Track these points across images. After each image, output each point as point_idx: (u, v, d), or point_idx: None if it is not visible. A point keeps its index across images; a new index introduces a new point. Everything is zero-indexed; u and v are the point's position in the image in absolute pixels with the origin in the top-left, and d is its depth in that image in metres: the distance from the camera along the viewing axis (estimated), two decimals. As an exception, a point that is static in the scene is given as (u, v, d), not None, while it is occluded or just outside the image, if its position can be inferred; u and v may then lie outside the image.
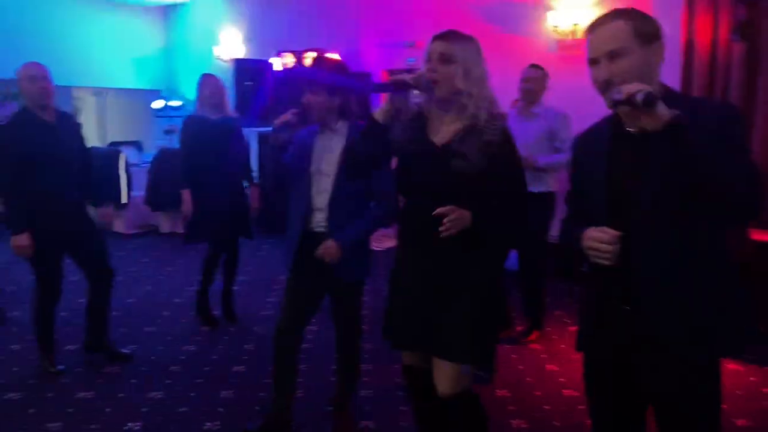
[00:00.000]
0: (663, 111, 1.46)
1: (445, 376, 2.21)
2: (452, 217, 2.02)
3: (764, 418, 3.24)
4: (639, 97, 1.45)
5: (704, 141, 1.48)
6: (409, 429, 3.06)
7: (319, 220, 2.80)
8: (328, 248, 2.72)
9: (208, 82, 4.50)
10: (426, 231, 2.14)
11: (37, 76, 3.55)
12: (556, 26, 6.44)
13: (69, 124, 3.78)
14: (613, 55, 1.65)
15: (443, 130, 2.16)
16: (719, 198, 1.48)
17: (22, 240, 3.47)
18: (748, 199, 1.49)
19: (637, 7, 1.74)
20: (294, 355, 3.00)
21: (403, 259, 2.31)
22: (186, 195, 4.36)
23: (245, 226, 4.61)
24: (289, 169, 2.86)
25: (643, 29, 1.66)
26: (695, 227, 1.62)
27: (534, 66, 4.37)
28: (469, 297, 2.15)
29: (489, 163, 2.07)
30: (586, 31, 1.75)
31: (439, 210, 2.02)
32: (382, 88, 2.20)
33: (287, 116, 2.75)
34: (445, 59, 2.09)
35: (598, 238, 1.65)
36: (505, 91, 4.22)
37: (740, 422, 3.17)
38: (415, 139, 2.19)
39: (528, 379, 3.71)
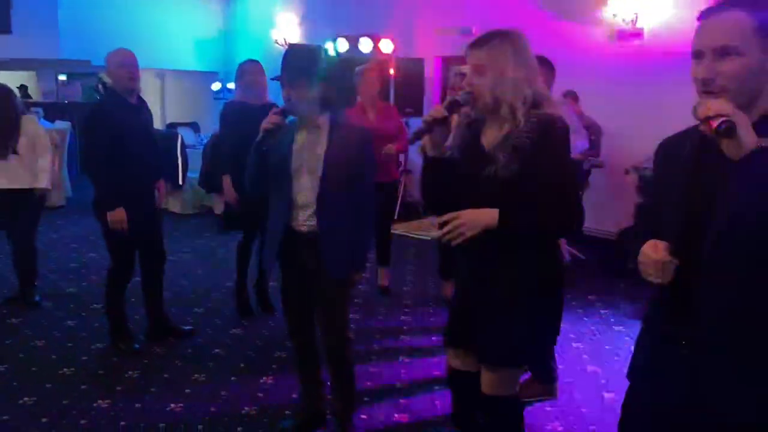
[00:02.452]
0: (747, 139, 1.28)
1: (488, 376, 2.22)
2: (455, 223, 2.01)
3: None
4: (715, 125, 1.29)
5: None
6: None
7: (303, 218, 2.70)
8: (353, 281, 2.81)
9: (249, 68, 4.50)
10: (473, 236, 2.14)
11: (125, 62, 3.74)
12: (615, 14, 6.23)
13: (146, 108, 3.97)
14: (723, 52, 1.40)
15: (492, 136, 2.14)
16: None
17: (119, 214, 3.66)
18: None
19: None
20: (313, 352, 2.98)
21: (459, 262, 2.33)
22: (227, 181, 4.37)
23: None
24: (270, 169, 2.71)
25: None
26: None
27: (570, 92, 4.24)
28: (514, 301, 2.12)
29: (523, 167, 2.02)
30: (698, 17, 1.49)
31: (440, 219, 2.02)
32: (419, 136, 2.15)
33: (276, 119, 2.56)
34: (478, 70, 2.07)
35: (647, 253, 1.50)
36: (558, 81, 4.14)
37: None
38: (464, 146, 2.19)
39: (568, 379, 3.66)
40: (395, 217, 7.18)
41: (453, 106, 2.10)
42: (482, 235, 2.05)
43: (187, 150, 8.21)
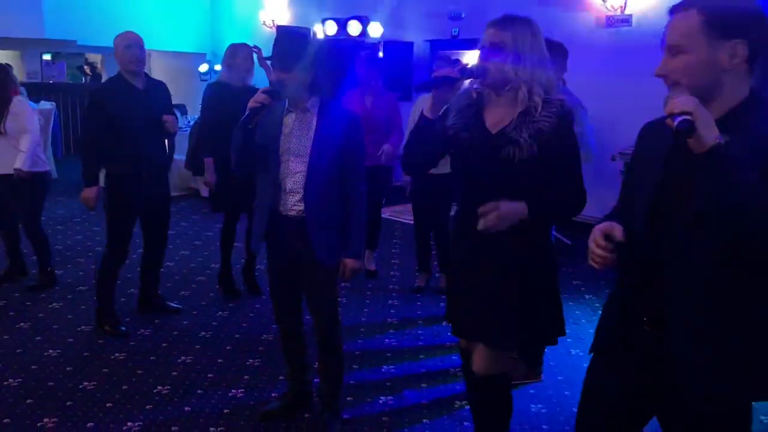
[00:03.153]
0: (706, 137, 1.33)
1: (480, 355, 2.27)
2: (493, 215, 2.02)
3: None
4: (676, 122, 1.34)
5: (765, 173, 1.34)
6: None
7: (291, 203, 2.69)
8: (351, 270, 2.76)
9: (235, 51, 4.50)
10: (474, 220, 2.15)
11: (132, 44, 3.78)
12: (604, 0, 6.23)
13: (158, 91, 3.98)
14: (672, 51, 1.49)
15: (498, 117, 2.16)
16: (756, 238, 1.35)
17: (91, 192, 3.80)
18: None
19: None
20: (299, 336, 3.01)
21: (460, 246, 2.34)
22: (208, 163, 4.39)
23: None
24: (257, 151, 2.70)
25: (719, 24, 1.44)
26: (736, 264, 1.45)
27: None
28: (517, 285, 2.17)
29: (541, 150, 2.07)
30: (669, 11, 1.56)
31: (482, 209, 2.04)
32: (427, 86, 2.21)
33: (263, 97, 2.53)
34: (497, 47, 2.09)
35: (595, 240, 1.58)
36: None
37: None
38: (470, 125, 2.19)
39: (551, 362, 3.70)
40: (383, 202, 7.20)
41: (466, 72, 2.15)
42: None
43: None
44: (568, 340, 4.02)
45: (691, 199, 1.46)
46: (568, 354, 3.83)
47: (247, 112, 2.56)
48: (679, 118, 1.34)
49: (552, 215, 2.23)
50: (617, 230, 1.58)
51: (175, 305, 4.35)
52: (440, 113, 2.24)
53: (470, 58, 5.40)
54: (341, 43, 7.54)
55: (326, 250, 2.71)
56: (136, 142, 3.75)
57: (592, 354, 1.84)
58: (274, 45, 2.65)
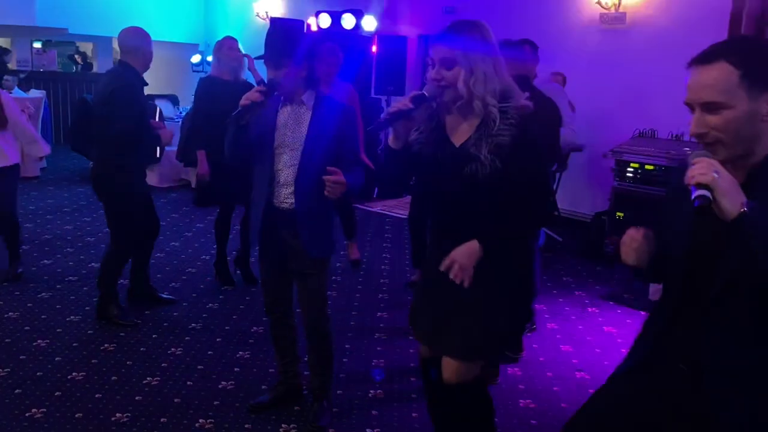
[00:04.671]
0: (731, 206, 1.29)
1: (450, 366, 2.23)
2: (455, 270, 2.02)
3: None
4: (693, 197, 1.30)
5: None
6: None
7: (285, 195, 2.70)
8: (336, 183, 2.48)
9: (225, 44, 4.52)
10: (446, 232, 2.17)
11: (149, 42, 3.90)
12: (599, -2, 6.25)
13: None
14: (709, 108, 1.42)
15: (460, 128, 2.11)
16: None
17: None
18: None
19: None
20: (289, 328, 3.02)
21: (431, 255, 2.32)
22: (201, 156, 4.41)
23: None
24: (252, 144, 2.70)
25: (758, 75, 1.39)
26: None
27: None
28: (481, 294, 2.12)
29: (504, 164, 2.01)
30: (687, 65, 1.48)
31: (443, 267, 2.03)
32: (382, 126, 2.10)
33: (255, 96, 2.53)
34: (447, 63, 2.02)
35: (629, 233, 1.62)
36: (542, 64, 4.15)
37: None
38: (432, 140, 2.14)
39: (541, 358, 3.72)
40: (374, 195, 7.20)
41: (420, 100, 2.06)
42: (456, 232, 2.09)
43: (166, 123, 8.09)
44: (558, 336, 4.05)
45: (722, 260, 1.42)
46: (558, 350, 3.86)
47: (238, 109, 2.55)
48: (696, 193, 1.29)
49: (513, 234, 2.12)
50: (644, 231, 1.60)
51: (167, 296, 4.35)
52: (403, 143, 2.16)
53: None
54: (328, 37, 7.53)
55: (315, 242, 2.73)
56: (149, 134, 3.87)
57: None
58: (266, 43, 2.65)
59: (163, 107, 8.39)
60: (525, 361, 3.64)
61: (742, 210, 1.29)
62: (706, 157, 1.38)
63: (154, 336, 3.81)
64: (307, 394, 3.09)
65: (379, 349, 3.77)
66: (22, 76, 9.43)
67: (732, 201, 1.29)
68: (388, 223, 6.81)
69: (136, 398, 3.11)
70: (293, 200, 2.69)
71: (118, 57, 3.92)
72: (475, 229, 2.07)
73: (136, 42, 3.80)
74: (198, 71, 9.48)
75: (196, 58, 9.86)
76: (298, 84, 2.64)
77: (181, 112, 8.70)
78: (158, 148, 4.10)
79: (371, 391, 3.27)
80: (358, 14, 7.84)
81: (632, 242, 1.61)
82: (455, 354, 2.19)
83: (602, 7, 6.29)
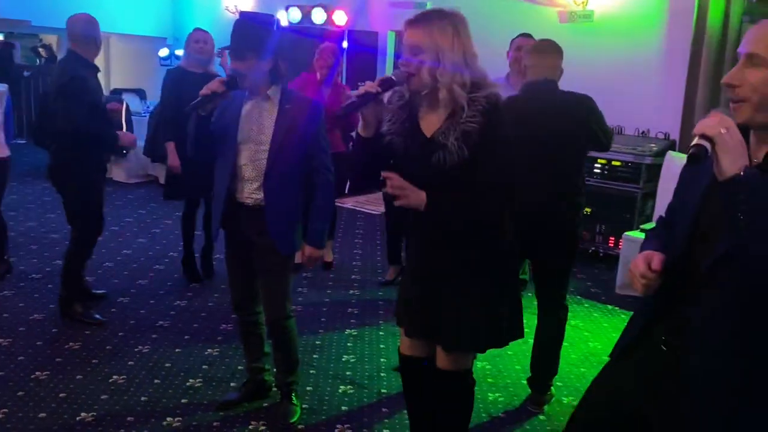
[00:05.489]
0: (729, 165, 1.26)
1: (445, 356, 2.24)
2: (402, 184, 1.97)
3: None
4: (691, 147, 1.29)
5: None
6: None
7: (249, 191, 2.67)
8: (311, 258, 2.75)
9: (195, 36, 4.48)
10: (421, 222, 2.17)
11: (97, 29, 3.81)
12: (567, -5, 6.30)
13: None
14: (753, 61, 1.37)
15: (431, 119, 2.10)
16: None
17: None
18: None
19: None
20: (257, 324, 2.98)
21: (410, 245, 2.33)
22: (170, 147, 4.36)
23: None
24: (215, 138, 2.67)
25: None
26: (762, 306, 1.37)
27: (525, 35, 4.26)
28: (468, 285, 2.14)
29: (472, 153, 2.00)
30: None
31: (386, 174, 1.98)
32: (350, 109, 2.06)
33: (215, 86, 2.49)
34: (415, 49, 2.00)
35: (636, 265, 1.51)
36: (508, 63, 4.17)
37: None
38: (403, 131, 2.13)
39: (509, 352, 3.74)
40: (345, 191, 7.18)
41: (387, 84, 2.04)
42: (429, 223, 2.09)
43: (133, 117, 7.98)
44: (527, 330, 4.08)
45: (719, 232, 1.39)
46: (526, 343, 3.88)
47: (197, 99, 2.51)
48: (695, 142, 1.28)
49: (466, 216, 2.07)
50: (657, 259, 1.51)
51: (100, 291, 4.28)
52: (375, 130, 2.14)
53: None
54: (301, 34, 7.48)
55: (283, 238, 2.70)
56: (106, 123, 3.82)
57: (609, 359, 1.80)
58: (231, 34, 2.61)
59: (131, 102, 8.26)
60: (493, 355, 3.66)
61: (738, 172, 1.26)
62: (724, 114, 1.34)
63: (120, 334, 3.75)
64: (276, 391, 3.06)
65: (349, 345, 3.76)
66: None
67: (732, 161, 1.27)
68: (360, 219, 6.81)
69: (102, 397, 3.06)
70: (259, 196, 2.66)
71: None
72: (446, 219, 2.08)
73: (87, 30, 3.69)
74: (166, 65, 9.32)
75: (163, 52, 9.69)
76: (263, 78, 2.61)
77: (148, 107, 8.57)
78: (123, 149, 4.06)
79: (341, 387, 3.27)
80: (329, 9, 7.80)
81: (642, 279, 1.51)
82: (454, 346, 2.19)
83: (571, 4, 6.35)
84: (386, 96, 2.11)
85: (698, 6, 5.30)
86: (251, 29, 2.65)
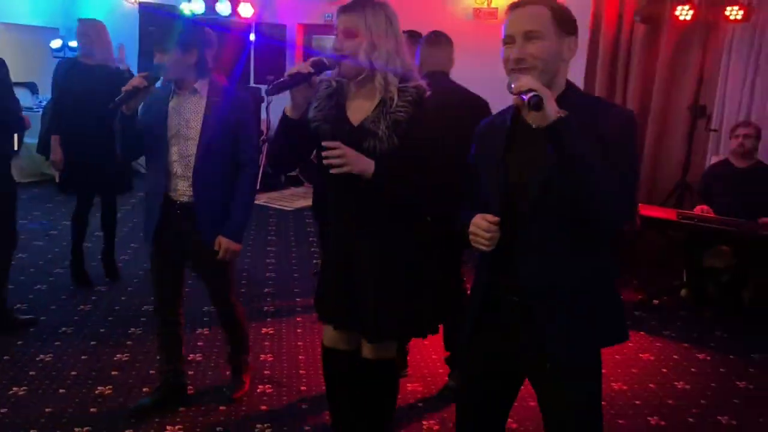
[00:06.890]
0: (550, 111, 1.49)
1: (369, 346, 2.27)
2: (341, 152, 1.97)
3: (638, 381, 3.49)
4: (526, 98, 1.47)
5: (593, 145, 1.52)
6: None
7: (182, 188, 2.64)
8: (227, 251, 2.68)
9: (88, 27, 4.30)
10: (348, 210, 2.16)
11: None
12: (472, -7, 6.46)
13: None
14: (529, 36, 1.64)
15: (359, 107, 2.11)
16: (591, 203, 1.55)
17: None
18: (615, 214, 1.60)
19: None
20: (177, 325, 2.93)
21: (331, 235, 2.31)
22: (54, 141, 4.20)
23: (119, 181, 4.49)
24: (143, 134, 2.62)
25: (563, 19, 1.67)
26: (580, 227, 1.63)
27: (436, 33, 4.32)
28: (389, 276, 2.15)
29: (402, 141, 2.03)
30: (506, 10, 1.74)
31: (328, 143, 1.99)
32: (279, 89, 2.02)
33: (138, 81, 2.44)
34: (349, 34, 2.02)
35: (477, 224, 1.65)
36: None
37: (617, 386, 3.41)
38: (331, 117, 2.12)
39: (425, 342, 3.79)
40: (256, 187, 7.06)
41: (319, 66, 2.03)
42: (356, 210, 2.10)
43: (24, 113, 7.48)
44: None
45: (536, 171, 1.64)
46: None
47: (120, 95, 2.44)
48: (530, 94, 1.48)
49: (406, 197, 2.12)
50: (488, 215, 1.66)
51: (25, 317, 3.82)
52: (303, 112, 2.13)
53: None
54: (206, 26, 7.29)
55: (215, 234, 2.68)
56: None
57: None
58: (146, 27, 2.54)
59: (21, 96, 7.73)
60: (411, 345, 3.70)
61: (559, 114, 1.49)
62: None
63: (18, 343, 3.52)
64: (191, 395, 2.99)
65: (266, 344, 3.71)
66: None
67: (551, 107, 1.50)
68: (272, 215, 6.72)
69: (1, 411, 2.87)
70: (191, 192, 2.61)
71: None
72: (373, 205, 2.09)
73: None
74: (59, 57, 8.82)
75: (56, 43, 9.17)
76: (187, 71, 2.56)
77: (41, 101, 8.07)
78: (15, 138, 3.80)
79: (260, 386, 3.22)
80: (234, 0, 7.63)
81: (487, 233, 1.65)
82: (376, 336, 2.21)
83: (476, 2, 6.52)
84: (316, 81, 2.09)
85: (596, 8, 5.63)
86: (175, 22, 2.62)
